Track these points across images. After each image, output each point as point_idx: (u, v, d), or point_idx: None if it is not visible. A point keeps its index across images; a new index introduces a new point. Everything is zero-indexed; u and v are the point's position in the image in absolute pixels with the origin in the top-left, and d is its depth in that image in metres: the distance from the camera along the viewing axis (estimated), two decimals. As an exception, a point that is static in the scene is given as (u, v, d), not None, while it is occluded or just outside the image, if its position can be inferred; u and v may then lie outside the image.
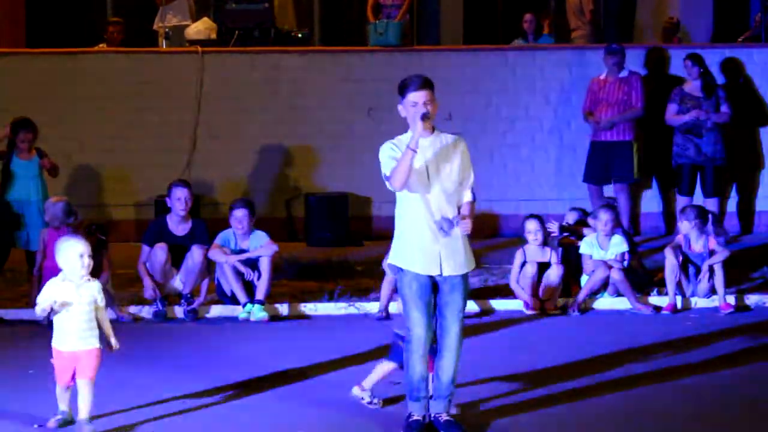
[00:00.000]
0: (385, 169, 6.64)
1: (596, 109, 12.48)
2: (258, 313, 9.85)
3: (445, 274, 6.63)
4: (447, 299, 6.67)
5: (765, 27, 14.45)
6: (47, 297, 6.61)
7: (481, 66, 13.36)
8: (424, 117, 6.60)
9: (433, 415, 6.73)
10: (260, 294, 9.93)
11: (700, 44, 14.88)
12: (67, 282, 6.69)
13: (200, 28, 14.14)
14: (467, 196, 6.87)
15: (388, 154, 6.67)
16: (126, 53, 13.56)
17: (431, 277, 6.64)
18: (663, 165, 13.02)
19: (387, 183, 6.66)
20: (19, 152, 10.90)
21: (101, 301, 6.74)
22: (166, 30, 14.16)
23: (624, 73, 12.58)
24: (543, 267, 10.35)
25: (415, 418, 6.68)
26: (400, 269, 6.69)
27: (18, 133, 10.94)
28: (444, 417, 6.72)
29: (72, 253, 6.69)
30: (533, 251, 10.40)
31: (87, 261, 6.72)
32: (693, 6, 16.63)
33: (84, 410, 6.68)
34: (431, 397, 6.75)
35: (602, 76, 12.61)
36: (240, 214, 10.16)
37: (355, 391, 7.21)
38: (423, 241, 6.63)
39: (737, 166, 13.19)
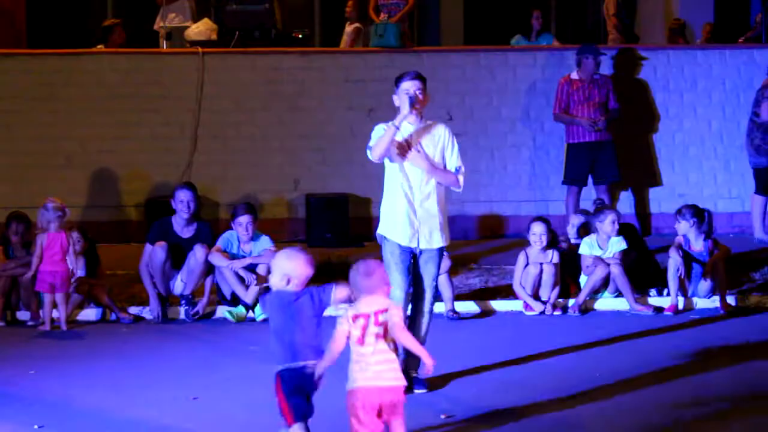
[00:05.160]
0: (372, 141, 7.52)
1: (575, 109, 12.41)
2: (261, 313, 9.88)
3: (422, 247, 7.54)
4: (422, 270, 7.60)
5: (765, 27, 14.47)
6: None
7: (481, 67, 13.36)
8: (413, 101, 7.45)
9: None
10: (249, 298, 9.95)
11: (700, 45, 14.90)
12: None
13: (201, 28, 14.15)
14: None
15: (378, 133, 7.54)
16: (127, 54, 13.55)
17: (411, 248, 7.54)
18: (637, 165, 13.10)
19: (368, 152, 7.54)
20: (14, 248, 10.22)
21: None
22: (167, 31, 14.15)
23: (596, 75, 12.54)
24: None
25: None
26: (385, 237, 7.58)
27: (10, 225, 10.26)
28: (413, 374, 7.44)
29: None
30: (536, 253, 10.39)
31: None
32: (693, 6, 16.65)
33: None
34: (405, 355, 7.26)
35: (574, 76, 12.53)
36: (245, 220, 10.12)
37: None
38: (405, 217, 7.52)
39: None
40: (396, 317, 5.80)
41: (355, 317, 5.78)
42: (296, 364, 5.84)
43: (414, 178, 7.52)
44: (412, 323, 7.53)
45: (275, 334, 5.92)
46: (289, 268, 5.93)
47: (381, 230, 7.64)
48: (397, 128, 7.39)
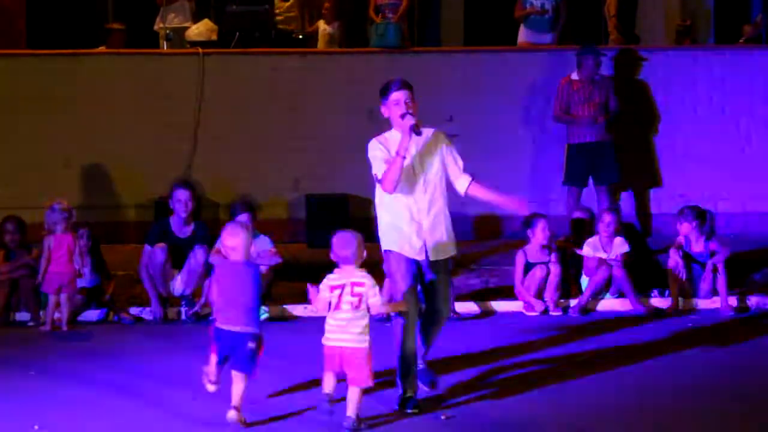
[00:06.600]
0: (377, 170, 7.24)
1: (576, 110, 12.42)
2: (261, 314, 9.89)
3: (432, 259, 7.23)
4: (433, 281, 7.26)
5: (766, 28, 14.46)
6: None
7: (481, 67, 13.35)
8: (413, 129, 7.06)
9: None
10: None
11: (701, 46, 14.89)
12: None
13: (201, 29, 14.14)
14: (465, 180, 7.54)
15: (378, 156, 7.24)
16: (127, 55, 13.56)
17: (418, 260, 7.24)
18: (637, 166, 13.11)
19: (378, 185, 7.27)
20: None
21: None
22: (167, 32, 14.15)
23: (596, 76, 12.56)
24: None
25: (409, 395, 7.15)
26: (390, 250, 7.25)
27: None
28: (420, 365, 7.37)
29: None
30: (535, 251, 10.39)
31: None
32: (693, 6, 16.62)
33: None
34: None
35: (574, 77, 12.53)
36: (244, 218, 10.16)
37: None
38: (410, 231, 7.21)
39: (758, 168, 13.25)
40: (374, 300, 6.67)
41: (332, 288, 6.68)
42: (228, 327, 6.77)
43: (418, 194, 7.23)
44: (426, 330, 7.39)
45: (220, 295, 6.87)
46: (228, 243, 6.88)
47: (388, 245, 7.27)
48: (404, 158, 7.06)
